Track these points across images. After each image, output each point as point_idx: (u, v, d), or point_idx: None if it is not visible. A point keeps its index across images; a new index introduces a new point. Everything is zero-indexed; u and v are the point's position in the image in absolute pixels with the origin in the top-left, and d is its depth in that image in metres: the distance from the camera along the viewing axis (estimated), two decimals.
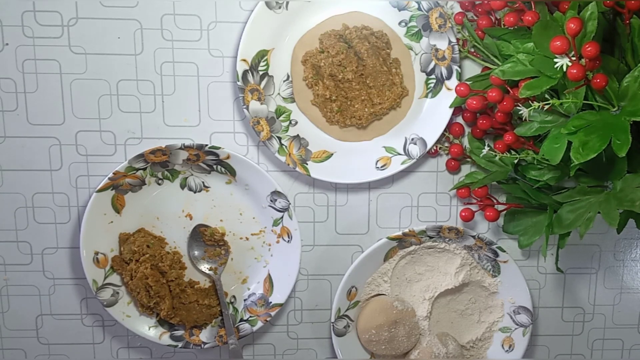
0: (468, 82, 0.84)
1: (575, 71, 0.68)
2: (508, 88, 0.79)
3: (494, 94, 0.79)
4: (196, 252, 0.90)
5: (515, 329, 0.94)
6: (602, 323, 0.98)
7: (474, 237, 0.89)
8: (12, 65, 0.82)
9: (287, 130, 0.87)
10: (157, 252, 0.86)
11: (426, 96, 0.89)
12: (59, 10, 0.81)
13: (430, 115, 0.88)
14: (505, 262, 0.91)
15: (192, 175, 0.88)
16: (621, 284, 0.97)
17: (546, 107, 0.72)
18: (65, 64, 0.83)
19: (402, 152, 0.88)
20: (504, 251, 0.90)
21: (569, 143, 0.71)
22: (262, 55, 0.84)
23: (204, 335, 0.89)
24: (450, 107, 0.87)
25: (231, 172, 0.87)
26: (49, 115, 0.84)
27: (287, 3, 0.84)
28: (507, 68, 0.77)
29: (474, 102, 0.83)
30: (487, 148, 0.85)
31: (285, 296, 0.89)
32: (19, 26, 0.81)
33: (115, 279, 0.87)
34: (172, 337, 0.88)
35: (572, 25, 0.67)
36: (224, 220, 0.90)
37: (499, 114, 0.82)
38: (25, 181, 0.86)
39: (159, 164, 0.85)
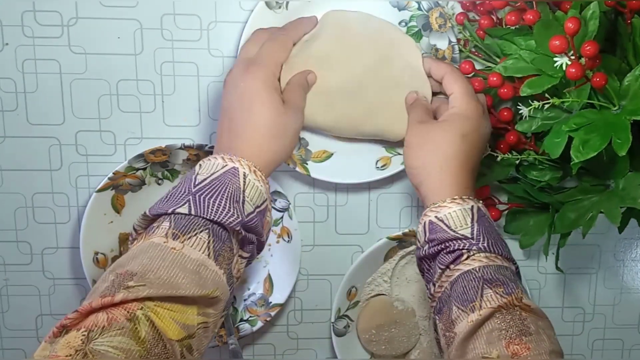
0: None
1: (574, 70, 0.68)
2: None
3: (494, 78, 0.79)
4: None
5: None
6: (602, 323, 0.98)
7: None
8: (12, 65, 0.82)
9: None
10: None
11: None
12: (59, 10, 0.81)
13: None
14: None
15: None
16: (621, 284, 0.97)
17: (546, 106, 0.72)
18: (65, 64, 0.83)
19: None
20: None
21: (570, 138, 0.71)
22: None
23: None
24: None
25: None
26: (49, 115, 0.84)
27: (287, 3, 0.83)
28: (509, 64, 0.77)
29: (476, 85, 0.82)
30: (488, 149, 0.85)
31: (285, 296, 0.89)
32: (19, 26, 0.81)
33: None
34: None
35: (571, 24, 0.68)
36: None
37: (504, 113, 0.82)
38: (25, 181, 0.85)
39: (159, 164, 0.85)
